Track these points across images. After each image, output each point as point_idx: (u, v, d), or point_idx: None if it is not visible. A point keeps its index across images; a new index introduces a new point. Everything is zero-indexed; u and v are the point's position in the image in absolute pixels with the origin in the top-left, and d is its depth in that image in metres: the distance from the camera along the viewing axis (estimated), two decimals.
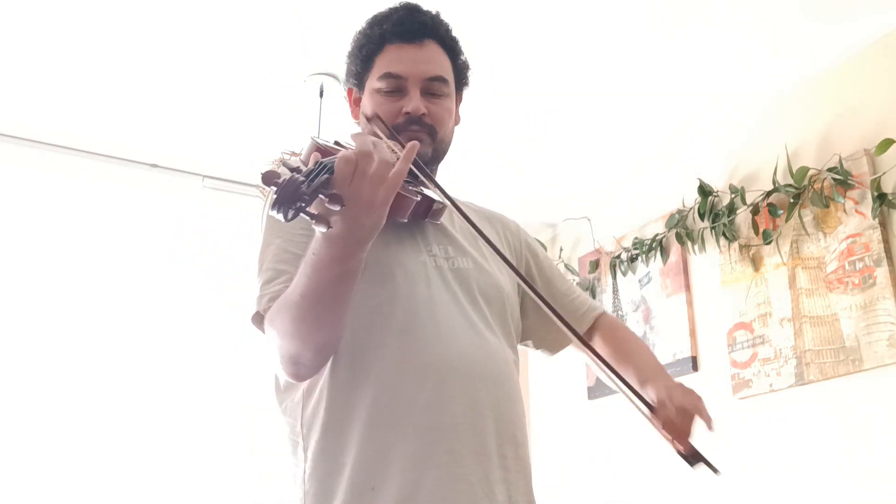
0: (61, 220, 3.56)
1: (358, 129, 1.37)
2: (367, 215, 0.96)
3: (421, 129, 1.29)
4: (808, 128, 2.75)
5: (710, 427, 1.22)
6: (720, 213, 2.96)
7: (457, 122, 1.41)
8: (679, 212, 3.15)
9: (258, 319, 1.18)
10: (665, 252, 3.24)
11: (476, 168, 3.27)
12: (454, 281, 1.28)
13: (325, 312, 1.06)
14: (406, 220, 1.18)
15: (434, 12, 1.37)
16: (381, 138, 1.18)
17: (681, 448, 1.18)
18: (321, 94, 2.79)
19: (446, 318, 1.22)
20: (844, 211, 2.54)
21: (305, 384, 1.20)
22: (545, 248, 2.62)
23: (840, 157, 2.56)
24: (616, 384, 1.21)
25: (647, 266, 3.32)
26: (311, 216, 0.91)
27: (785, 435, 2.63)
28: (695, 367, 3.00)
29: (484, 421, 1.18)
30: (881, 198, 2.42)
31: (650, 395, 1.24)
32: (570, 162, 3.34)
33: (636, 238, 3.36)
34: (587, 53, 2.65)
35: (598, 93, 2.87)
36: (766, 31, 2.54)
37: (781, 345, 2.68)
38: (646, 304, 3.29)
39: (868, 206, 2.47)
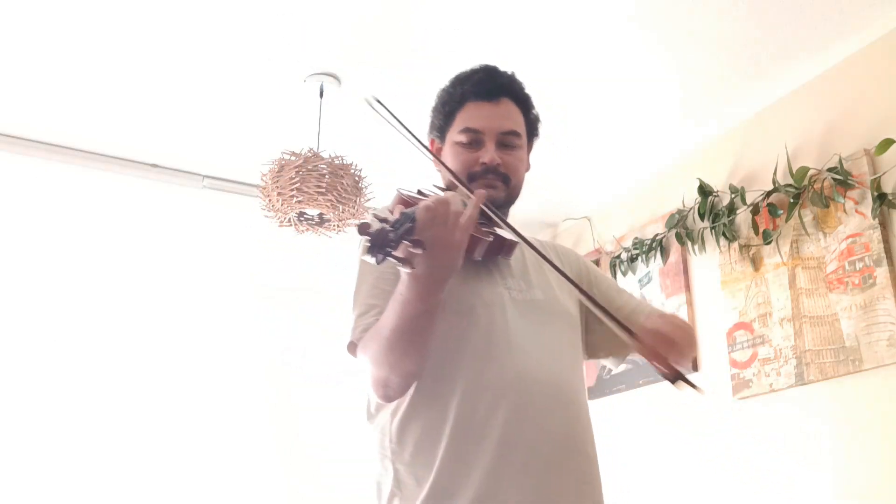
0: (62, 219, 3.57)
1: (439, 179, 1.55)
2: (445, 256, 1.13)
3: (495, 177, 1.46)
4: (808, 128, 2.75)
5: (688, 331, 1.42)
6: (720, 213, 2.96)
7: (527, 168, 1.57)
8: (679, 212, 3.15)
9: (352, 348, 1.34)
10: (665, 252, 3.24)
11: None
12: (527, 310, 1.41)
13: (410, 344, 1.23)
14: (481, 259, 1.35)
15: (510, 73, 1.55)
16: (455, 189, 1.38)
17: (662, 369, 1.30)
18: (321, 94, 2.79)
19: (520, 343, 1.36)
20: (844, 211, 2.54)
21: (393, 404, 1.35)
22: None
23: (840, 157, 2.56)
24: (608, 321, 1.34)
25: (647, 266, 3.32)
26: (398, 259, 1.09)
27: (785, 435, 2.63)
28: (695, 368, 3.00)
29: (553, 435, 1.31)
30: (881, 198, 2.42)
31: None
32: (570, 162, 3.34)
33: (636, 238, 3.36)
34: (588, 53, 2.65)
35: (599, 93, 2.87)
36: (766, 31, 2.54)
37: (781, 345, 2.68)
38: None
39: (868, 206, 2.47)
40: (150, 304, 3.98)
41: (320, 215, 2.73)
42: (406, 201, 1.29)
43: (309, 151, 2.63)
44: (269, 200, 2.64)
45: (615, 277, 3.46)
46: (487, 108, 1.49)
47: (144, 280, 3.95)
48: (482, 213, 1.30)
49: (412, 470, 1.31)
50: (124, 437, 3.70)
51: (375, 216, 1.12)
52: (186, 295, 4.05)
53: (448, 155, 1.50)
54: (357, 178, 2.68)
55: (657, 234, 3.26)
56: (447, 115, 1.52)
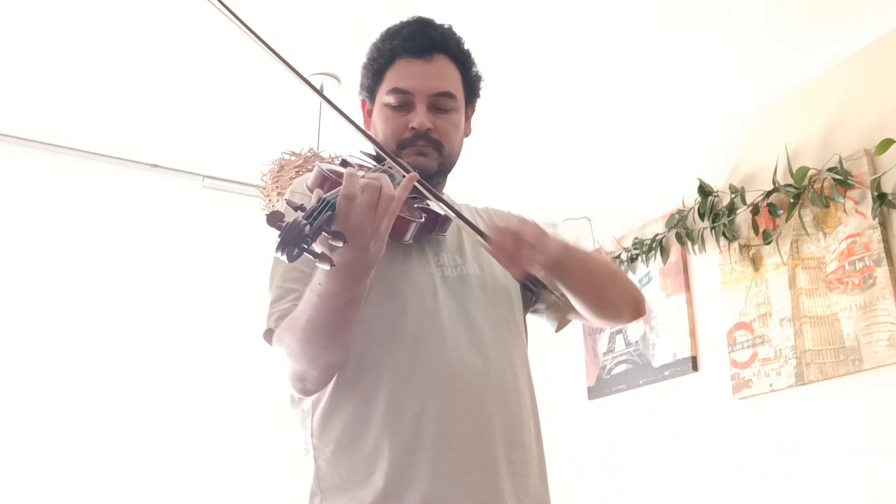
0: (62, 220, 3.56)
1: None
2: (371, 244, 1.00)
3: (427, 144, 1.32)
4: (808, 128, 2.75)
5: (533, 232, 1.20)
6: (720, 213, 2.96)
7: (467, 133, 1.43)
8: (679, 212, 3.15)
9: (268, 336, 1.21)
10: (665, 252, 3.24)
11: (476, 169, 3.27)
12: (462, 289, 1.30)
13: (330, 336, 1.11)
14: (411, 242, 1.20)
15: (446, 26, 1.38)
16: (384, 161, 1.24)
17: (516, 275, 1.22)
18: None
19: (453, 328, 1.24)
20: (844, 211, 2.54)
21: (314, 396, 1.23)
22: None
23: (840, 157, 2.56)
24: (459, 222, 1.24)
25: (647, 266, 3.32)
26: (314, 255, 0.92)
27: (785, 435, 2.63)
28: (695, 367, 3.00)
29: (492, 428, 1.20)
30: (881, 198, 2.42)
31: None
32: (570, 162, 3.34)
33: (636, 238, 3.36)
34: (588, 53, 2.65)
35: (599, 93, 2.87)
36: (766, 31, 2.54)
37: (781, 345, 2.68)
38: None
39: (868, 206, 2.47)
40: (150, 304, 3.97)
41: None
42: (326, 179, 1.11)
43: (309, 151, 2.63)
44: (269, 200, 2.64)
45: None
46: (419, 66, 1.33)
47: (144, 280, 3.95)
48: (413, 188, 1.21)
49: (335, 468, 1.19)
50: (123, 437, 3.70)
51: (289, 202, 0.96)
52: (186, 295, 4.05)
53: (377, 118, 1.36)
54: None
55: (657, 234, 3.26)
56: (376, 73, 1.37)
